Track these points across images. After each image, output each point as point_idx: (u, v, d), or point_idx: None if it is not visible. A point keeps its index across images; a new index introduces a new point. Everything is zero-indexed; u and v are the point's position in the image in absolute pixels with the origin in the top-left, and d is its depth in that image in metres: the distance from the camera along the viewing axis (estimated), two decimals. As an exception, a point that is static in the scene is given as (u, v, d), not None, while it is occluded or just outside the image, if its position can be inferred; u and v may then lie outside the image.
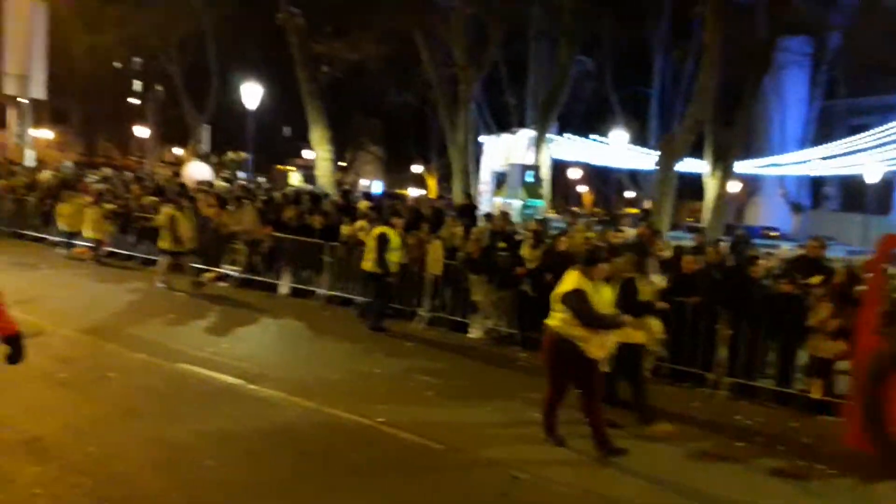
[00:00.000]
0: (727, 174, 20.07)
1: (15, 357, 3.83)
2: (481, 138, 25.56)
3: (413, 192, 43.78)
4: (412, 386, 7.36)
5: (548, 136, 21.44)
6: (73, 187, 15.36)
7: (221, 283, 12.25)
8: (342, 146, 33.36)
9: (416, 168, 46.44)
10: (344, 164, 38.13)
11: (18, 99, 18.76)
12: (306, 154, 49.68)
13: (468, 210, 12.69)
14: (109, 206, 13.80)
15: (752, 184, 38.98)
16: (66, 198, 13.90)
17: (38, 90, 17.97)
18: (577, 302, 5.50)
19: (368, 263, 9.67)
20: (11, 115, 25.52)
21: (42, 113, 30.87)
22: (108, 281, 11.90)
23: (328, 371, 7.60)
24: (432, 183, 43.01)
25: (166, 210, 11.67)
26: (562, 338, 5.61)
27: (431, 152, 41.48)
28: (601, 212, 41.01)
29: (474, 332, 9.76)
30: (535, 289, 9.01)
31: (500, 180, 23.66)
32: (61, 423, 5.51)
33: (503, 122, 28.71)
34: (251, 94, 21.98)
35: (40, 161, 21.66)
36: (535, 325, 9.21)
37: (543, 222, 11.97)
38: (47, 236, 15.16)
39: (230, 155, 32.62)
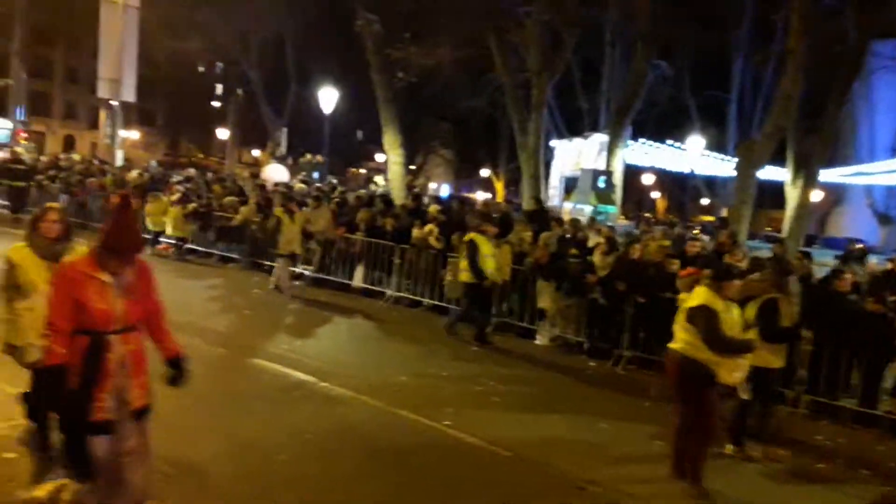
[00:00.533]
0: (810, 182, 19.22)
1: (177, 379, 3.88)
2: (552, 143, 25.36)
3: (480, 195, 43.88)
4: (478, 391, 7.37)
5: (621, 140, 21.07)
6: (160, 187, 16.07)
7: (296, 282, 12.58)
8: (413, 149, 33.76)
9: (485, 172, 46.51)
10: (414, 167, 38.58)
11: (110, 101, 19.81)
12: (378, 157, 50.56)
13: (538, 215, 12.60)
14: (192, 206, 14.38)
15: (837, 193, 37.19)
16: (151, 197, 14.51)
17: (129, 93, 18.92)
18: (705, 321, 4.95)
19: (464, 274, 9.33)
20: (102, 117, 26.98)
21: (130, 114, 32.45)
22: (189, 277, 12.41)
23: (396, 372, 7.70)
24: (500, 187, 42.97)
25: (276, 213, 11.77)
26: (689, 360, 5.04)
27: (500, 156, 41.47)
28: (674, 218, 40.01)
29: (541, 340, 9.69)
30: (605, 297, 8.88)
31: (570, 185, 23.40)
32: (144, 411, 5.78)
33: (575, 127, 28.42)
34: (328, 98, 22.50)
35: (128, 160, 22.81)
36: (604, 335, 9.11)
37: (612, 228, 11.78)
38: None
39: (308, 157, 33.48)
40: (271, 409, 6.20)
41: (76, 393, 3.45)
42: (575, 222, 11.28)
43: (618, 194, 20.99)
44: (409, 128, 26.38)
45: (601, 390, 8.00)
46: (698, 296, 5.12)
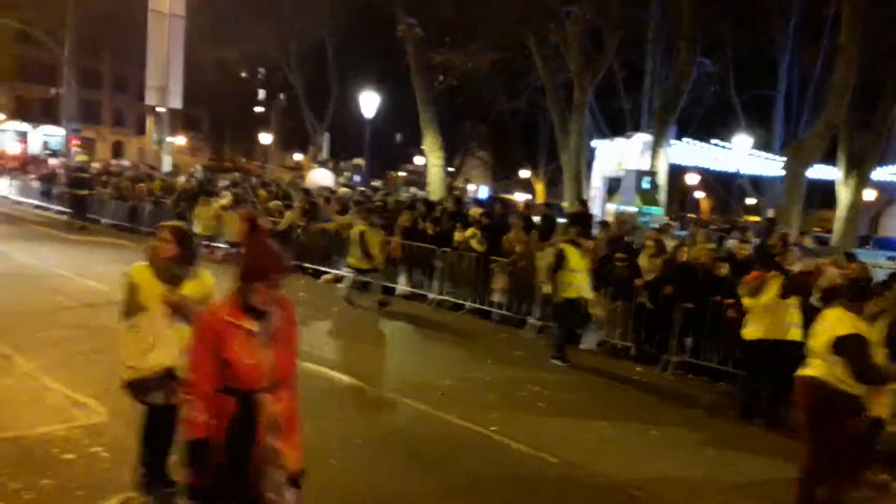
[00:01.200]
0: (862, 181, 18.65)
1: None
2: (594, 143, 25.10)
3: (519, 196, 43.68)
4: (523, 396, 7.33)
5: (665, 140, 20.74)
6: (209, 192, 16.39)
7: (339, 285, 12.71)
8: (451, 152, 33.80)
9: (524, 173, 46.30)
10: (452, 169, 38.63)
11: (157, 109, 20.33)
12: (417, 160, 50.79)
13: (582, 217, 12.47)
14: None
15: (890, 192, 35.97)
16: (202, 202, 14.76)
17: (176, 100, 19.39)
18: (858, 352, 4.47)
19: (551, 290, 8.76)
20: (150, 124, 27.68)
21: (176, 120, 33.21)
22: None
23: (440, 376, 7.71)
24: (540, 188, 42.72)
25: (357, 226, 11.07)
26: (834, 391, 4.55)
27: (539, 157, 41.24)
28: (718, 219, 39.22)
29: (586, 344, 9.59)
30: (653, 301, 8.75)
31: (613, 186, 23.12)
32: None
33: (617, 127, 28.07)
34: (369, 102, 22.68)
35: (176, 166, 23.36)
36: (651, 339, 8.97)
37: (665, 230, 11.56)
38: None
39: (354, 161, 33.85)
40: (320, 413, 6.25)
41: (225, 469, 2.93)
42: (620, 224, 11.13)
43: (662, 195, 20.66)
44: (448, 130, 26.42)
45: (649, 396, 7.88)
46: (842, 323, 4.58)
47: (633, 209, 18.19)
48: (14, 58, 48.95)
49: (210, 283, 4.21)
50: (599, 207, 21.68)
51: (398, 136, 51.43)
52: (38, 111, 51.14)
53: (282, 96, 37.28)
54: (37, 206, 21.78)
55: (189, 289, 4.12)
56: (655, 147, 20.62)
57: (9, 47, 48.09)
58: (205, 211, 14.48)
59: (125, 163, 28.80)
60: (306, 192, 17.13)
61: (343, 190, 20.16)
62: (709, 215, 44.35)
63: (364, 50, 32.49)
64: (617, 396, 7.77)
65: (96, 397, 5.92)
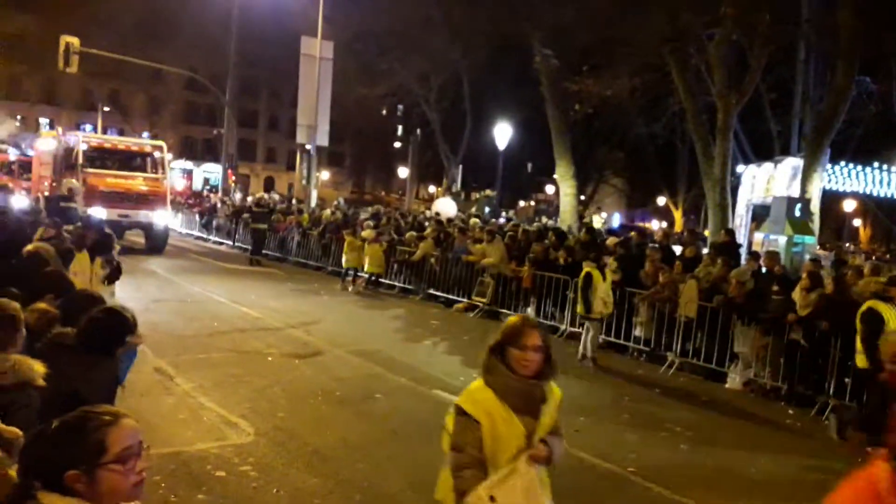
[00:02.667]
0: None
1: None
2: (739, 168, 23.77)
3: (655, 224, 42.13)
4: (663, 436, 6.96)
5: (819, 164, 19.24)
6: (351, 224, 17.14)
7: (470, 314, 12.82)
8: (584, 180, 33.34)
9: (661, 200, 44.70)
10: (584, 197, 38.06)
11: (307, 146, 21.72)
12: (549, 189, 50.55)
13: (729, 247, 11.78)
14: (385, 245, 15.07)
15: None
16: (347, 235, 15.15)
17: (323, 138, 20.66)
18: None
19: (860, 357, 7.01)
20: (299, 160, 29.54)
21: (321, 156, 35.24)
22: (375, 308, 13.09)
23: (574, 411, 7.48)
24: (678, 215, 41.02)
25: (586, 267, 9.62)
26: None
27: (678, 183, 39.66)
28: (880, 248, 35.74)
29: (732, 383, 8.99)
30: (807, 338, 8.06)
31: (760, 214, 21.69)
32: (337, 437, 6.12)
33: (763, 151, 26.43)
34: (502, 134, 22.94)
35: (321, 199, 24.76)
36: (805, 379, 8.26)
37: (817, 262, 10.67)
38: (326, 266, 17.18)
39: (486, 192, 34.35)
40: (452, 442, 6.28)
41: None
42: (772, 256, 10.39)
43: (816, 223, 19.12)
44: (582, 158, 26.11)
45: (804, 442, 7.22)
46: None
47: (783, 238, 16.95)
48: (183, 103, 54.47)
49: (559, 399, 2.87)
50: (745, 236, 20.40)
51: (529, 166, 51.56)
52: (201, 150, 56.33)
53: (418, 131, 38.65)
54: (197, 237, 23.84)
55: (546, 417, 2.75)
56: (808, 172, 19.16)
57: (179, 94, 53.61)
58: (353, 243, 14.88)
59: (276, 196, 30.94)
60: (438, 222, 17.52)
61: (474, 220, 20.41)
62: (868, 245, 40.50)
63: (498, 82, 33.03)
64: (767, 440, 7.19)
65: (245, 418, 6.31)
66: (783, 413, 8.11)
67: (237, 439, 5.83)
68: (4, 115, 36.72)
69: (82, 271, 7.13)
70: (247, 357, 8.59)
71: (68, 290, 3.70)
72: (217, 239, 22.72)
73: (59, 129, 21.46)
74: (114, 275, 7.60)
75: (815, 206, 19.50)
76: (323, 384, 7.70)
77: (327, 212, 19.37)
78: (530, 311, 12.04)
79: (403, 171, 48.22)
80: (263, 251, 18.54)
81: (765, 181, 22.94)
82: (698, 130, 19.43)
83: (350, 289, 14.72)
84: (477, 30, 23.86)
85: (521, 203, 53.21)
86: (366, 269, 14.84)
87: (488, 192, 34.73)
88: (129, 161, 19.18)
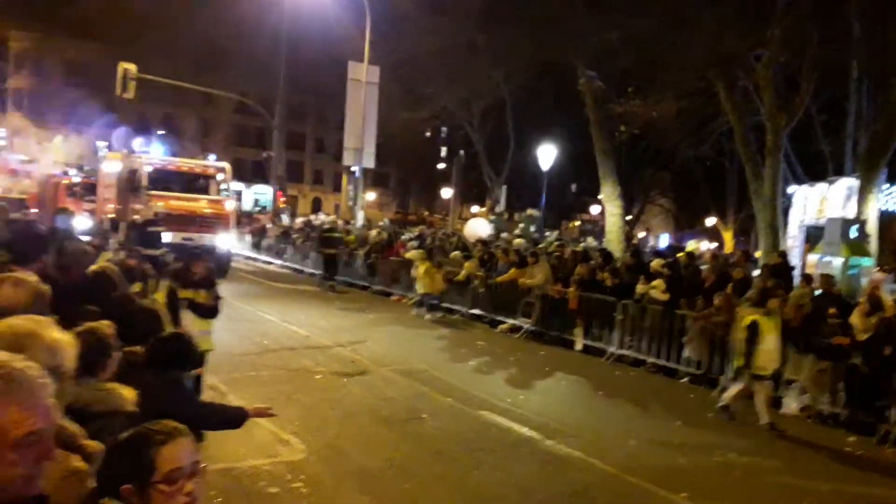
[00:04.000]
0: None
1: None
2: (790, 189, 23.26)
3: (703, 246, 41.31)
4: (717, 463, 6.79)
5: (875, 185, 18.68)
6: (392, 245, 17.30)
7: (515, 335, 12.77)
8: (630, 200, 33.01)
9: (710, 221, 43.87)
10: (630, 217, 37.67)
11: (353, 168, 22.08)
12: (593, 209, 50.15)
13: (782, 270, 11.49)
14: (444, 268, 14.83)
15: None
16: (423, 262, 14.26)
17: (369, 160, 21.00)
18: None
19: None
20: (345, 182, 30.00)
21: (367, 178, 35.73)
22: (420, 328, 13.14)
23: (624, 435, 7.38)
24: (728, 236, 40.17)
25: (751, 315, 7.89)
26: None
27: (727, 204, 38.90)
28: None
29: (788, 408, 8.72)
30: (868, 363, 7.80)
31: (813, 235, 21.11)
32: (384, 457, 6.16)
33: (815, 171, 25.79)
34: (546, 155, 22.92)
35: (367, 220, 25.08)
36: (866, 406, 7.98)
37: (875, 285, 10.34)
38: (372, 286, 17.35)
39: (530, 212, 34.31)
40: (499, 463, 6.26)
41: None
42: (828, 278, 10.11)
43: (873, 245, 18.52)
44: (627, 178, 25.88)
45: (864, 473, 6.96)
46: None
47: (838, 260, 16.45)
48: (233, 126, 56.00)
49: None
50: (798, 258, 19.87)
51: (573, 186, 51.26)
52: (250, 171, 57.73)
53: (462, 153, 38.93)
54: (247, 257, 24.36)
55: None
56: (863, 192, 18.61)
57: (229, 117, 55.16)
58: (422, 267, 14.12)
59: (322, 217, 31.44)
60: (484, 243, 17.55)
61: (518, 241, 20.38)
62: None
63: (542, 104, 33.07)
64: (825, 468, 6.95)
65: (296, 435, 6.40)
66: (842, 440, 7.83)
67: (289, 456, 5.91)
68: (74, 139, 38.12)
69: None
70: (296, 375, 8.72)
71: (138, 315, 3.73)
72: (266, 259, 23.17)
73: (125, 151, 21.14)
74: (213, 310, 6.40)
75: (872, 228, 18.90)
76: (370, 403, 7.77)
77: (373, 232, 19.60)
78: (577, 332, 11.94)
79: (447, 192, 48.52)
80: (313, 271, 18.65)
81: (818, 202, 22.36)
82: (747, 151, 19.10)
83: (427, 316, 13.94)
84: (520, 53, 23.97)
85: (566, 223, 52.89)
86: (420, 290, 14.18)
87: (532, 211, 34.64)
88: (193, 183, 19.16)
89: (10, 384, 1.38)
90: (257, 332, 11.13)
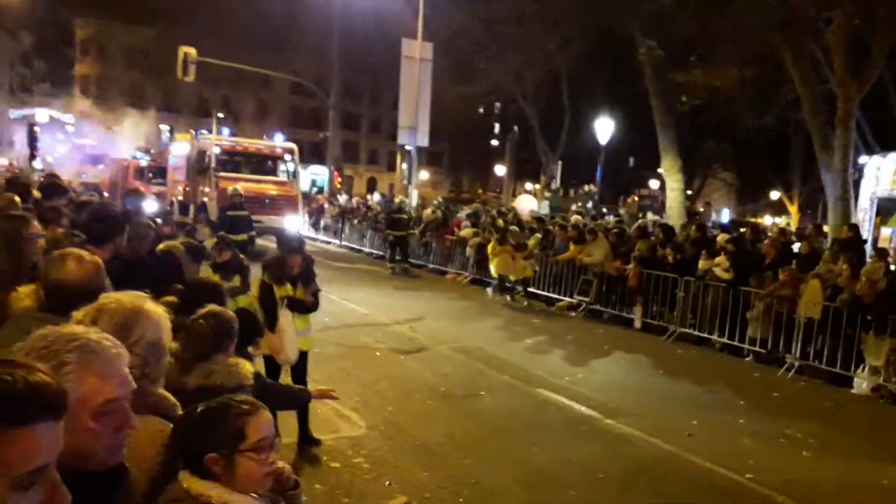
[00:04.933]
0: None
1: None
2: (861, 159, 22.20)
3: (768, 220, 39.95)
4: (784, 443, 6.60)
5: (955, 154, 17.62)
6: (447, 223, 17.22)
7: (573, 313, 12.65)
8: (691, 174, 32.10)
9: (774, 194, 42.37)
10: (690, 192, 36.72)
11: (407, 147, 22.11)
12: (652, 183, 49.04)
13: (854, 244, 11.01)
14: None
15: None
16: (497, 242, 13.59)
17: (423, 139, 20.95)
18: None
19: None
20: (399, 160, 30.12)
21: (420, 156, 35.81)
22: (476, 307, 13.14)
23: (685, 414, 7.25)
24: (794, 210, 38.75)
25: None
26: None
27: (793, 177, 37.46)
28: None
29: (859, 388, 8.41)
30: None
31: (886, 208, 20.15)
32: (443, 433, 6.21)
33: (889, 141, 24.53)
34: (603, 128, 22.45)
35: (422, 199, 25.14)
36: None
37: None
38: (427, 264, 17.42)
39: (587, 188, 33.83)
40: (559, 441, 6.24)
41: None
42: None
43: (952, 216, 17.54)
44: (688, 151, 25.12)
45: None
46: None
47: (914, 234, 15.65)
48: (289, 107, 56.80)
49: None
50: (869, 232, 19.01)
51: (631, 160, 50.21)
52: (307, 153, 58.50)
53: (515, 129, 38.50)
54: (305, 237, 24.78)
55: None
56: (943, 161, 17.60)
57: (286, 98, 55.95)
58: (498, 251, 13.50)
59: (377, 197, 31.70)
60: (539, 220, 17.37)
61: (575, 217, 20.10)
62: None
63: (597, 76, 32.36)
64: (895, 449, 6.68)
65: (356, 411, 6.51)
66: (918, 422, 7.52)
67: (350, 432, 6.03)
68: (149, 121, 39.20)
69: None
70: (356, 352, 8.86)
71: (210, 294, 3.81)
72: (325, 238, 23.53)
73: (193, 132, 21.24)
74: (313, 306, 5.81)
75: (952, 199, 17.89)
76: (428, 380, 7.83)
77: (427, 211, 19.61)
78: (637, 311, 11.73)
79: (501, 169, 48.20)
80: (371, 250, 18.66)
81: (891, 173, 21.28)
82: (815, 121, 18.26)
83: (499, 298, 13.61)
84: (574, 21, 23.41)
85: (625, 198, 51.94)
86: (496, 272, 13.54)
87: (589, 187, 34.12)
88: (261, 164, 18.89)
89: (87, 355, 1.42)
90: (319, 311, 11.29)
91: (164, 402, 2.01)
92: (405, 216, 17.79)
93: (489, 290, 14.33)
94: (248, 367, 2.71)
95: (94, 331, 1.53)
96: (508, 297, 13.59)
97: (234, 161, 18.41)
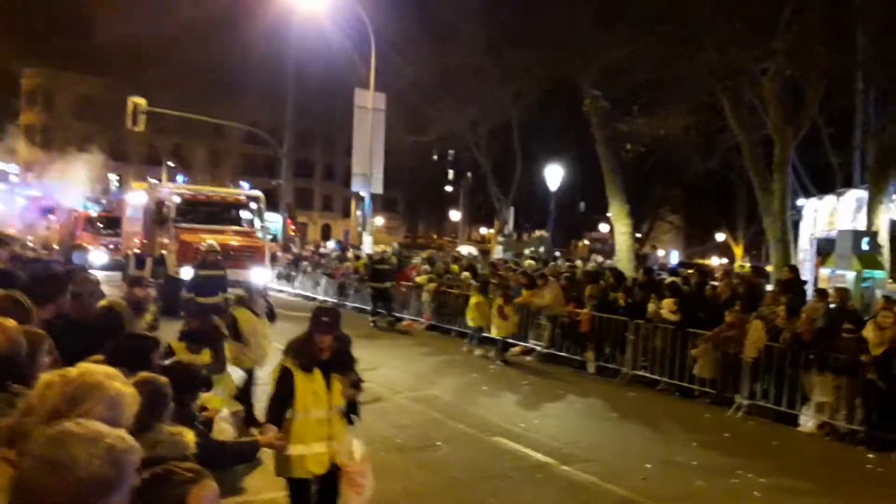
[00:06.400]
0: None
1: None
2: (800, 202, 23.19)
3: (715, 261, 41.19)
4: (735, 484, 6.71)
5: (885, 196, 18.58)
6: (402, 270, 17.17)
7: (527, 357, 12.71)
8: (639, 217, 33.00)
9: (720, 236, 43.78)
10: (640, 235, 37.68)
11: (361, 193, 22.22)
12: (602, 227, 50.13)
13: (794, 284, 11.43)
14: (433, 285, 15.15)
15: None
16: (476, 294, 13.19)
17: (378, 186, 21.15)
18: None
19: None
20: (353, 207, 30.17)
21: (375, 203, 35.97)
22: (432, 354, 13.09)
23: (640, 457, 7.32)
24: (739, 251, 40.06)
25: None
26: None
27: (737, 218, 38.86)
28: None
29: (805, 426, 8.63)
30: (884, 378, 7.72)
31: (824, 248, 20.99)
32: (400, 486, 6.11)
33: (824, 184, 25.71)
34: (553, 175, 22.98)
35: (379, 246, 25.13)
36: (885, 422, 7.88)
37: (889, 298, 10.23)
38: (382, 311, 17.32)
39: (537, 234, 34.36)
40: (515, 490, 6.22)
41: None
42: (842, 292, 10.04)
43: (886, 257, 18.39)
44: (636, 196, 25.87)
45: (885, 490, 6.86)
46: None
47: (851, 274, 16.33)
48: (242, 156, 56.57)
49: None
50: (810, 272, 19.74)
51: (582, 204, 51.31)
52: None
53: (469, 175, 39.12)
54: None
55: None
56: (873, 204, 18.50)
57: (238, 147, 55.75)
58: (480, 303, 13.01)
59: (331, 244, 31.58)
60: (492, 264, 17.54)
61: (528, 262, 20.36)
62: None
63: (548, 123, 33.24)
64: (846, 488, 6.85)
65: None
66: (862, 458, 7.73)
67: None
68: (96, 171, 38.19)
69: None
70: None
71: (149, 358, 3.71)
72: (277, 287, 23.23)
73: (151, 181, 20.07)
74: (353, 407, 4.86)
75: (884, 239, 18.77)
76: (383, 431, 7.73)
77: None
78: (590, 354, 11.86)
79: (456, 215, 48.67)
80: (325, 298, 18.57)
81: (828, 214, 22.26)
82: (755, 165, 19.07)
83: (476, 353, 12.78)
84: (526, 74, 24.13)
85: (575, 242, 52.85)
86: (494, 332, 12.52)
87: (541, 232, 34.67)
88: (225, 214, 17.54)
89: None
90: (269, 360, 11.13)
91: None
92: (388, 266, 16.81)
93: (466, 346, 13.34)
94: (191, 436, 2.66)
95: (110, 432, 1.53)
96: (490, 353, 12.50)
97: (195, 211, 17.09)
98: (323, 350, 4.30)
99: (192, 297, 7.48)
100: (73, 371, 1.92)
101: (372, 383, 9.91)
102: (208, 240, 13.45)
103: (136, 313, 4.85)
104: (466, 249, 27.25)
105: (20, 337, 2.63)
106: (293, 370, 4.25)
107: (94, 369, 1.94)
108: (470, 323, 13.22)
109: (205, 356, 5.69)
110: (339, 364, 4.43)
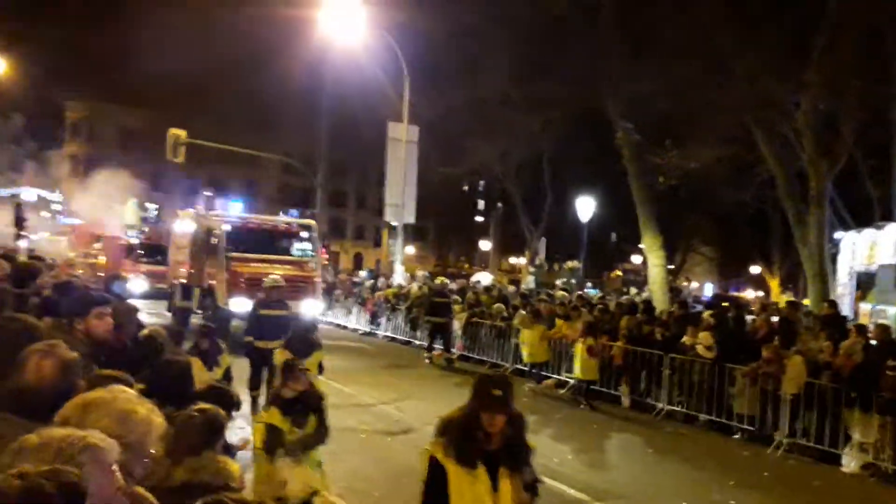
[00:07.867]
0: None
1: None
2: (837, 234, 22.75)
3: (751, 294, 40.44)
4: (775, 524, 6.54)
5: (928, 229, 18.12)
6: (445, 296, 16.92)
7: (560, 390, 12.58)
8: (672, 248, 32.66)
9: (755, 269, 43.01)
10: (672, 266, 37.26)
11: (393, 223, 22.46)
12: (635, 259, 49.69)
13: (834, 320, 11.19)
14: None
15: None
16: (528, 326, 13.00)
17: (409, 216, 21.39)
18: None
19: None
20: (385, 237, 30.43)
21: (407, 232, 36.22)
22: (464, 384, 13.01)
23: (675, 494, 7.18)
24: (774, 284, 39.25)
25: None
26: None
27: (772, 251, 38.17)
28: None
29: (848, 467, 8.37)
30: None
31: (864, 283, 20.51)
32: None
33: (863, 216, 25.21)
34: (584, 207, 22.93)
35: (410, 274, 25.30)
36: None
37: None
38: (413, 340, 17.35)
39: (569, 265, 34.22)
40: (549, 527, 6.13)
41: None
42: (884, 328, 9.80)
43: (929, 292, 17.88)
44: (669, 227, 25.65)
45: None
46: None
47: (892, 309, 15.91)
48: (278, 185, 57.62)
49: None
50: (849, 306, 19.27)
51: (614, 235, 50.99)
52: (296, 230, 58.95)
53: (499, 205, 39.26)
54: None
55: None
56: (915, 237, 18.08)
57: (275, 177, 56.82)
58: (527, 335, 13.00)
59: (363, 273, 31.81)
60: (523, 296, 17.49)
61: (560, 293, 20.26)
62: None
63: (578, 154, 33.28)
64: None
65: (343, 497, 6.35)
66: (909, 501, 7.48)
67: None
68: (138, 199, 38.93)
69: None
70: (342, 434, 8.67)
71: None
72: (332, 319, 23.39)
73: (198, 209, 19.08)
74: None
75: (927, 274, 18.28)
76: (415, 463, 7.66)
77: (414, 286, 19.71)
78: (624, 388, 11.71)
79: (486, 244, 48.74)
80: (357, 327, 18.55)
81: (867, 248, 21.73)
82: (790, 198, 18.80)
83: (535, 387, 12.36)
84: (555, 105, 24.29)
85: (608, 273, 52.44)
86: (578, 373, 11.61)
87: (572, 263, 34.51)
88: (276, 243, 16.71)
89: (96, 454, 1.49)
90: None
91: (142, 501, 2.02)
92: (447, 300, 15.87)
93: (530, 385, 12.60)
94: (236, 468, 2.72)
95: (92, 433, 1.60)
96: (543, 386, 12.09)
97: (246, 239, 16.14)
98: (492, 437, 3.08)
99: (205, 324, 7.08)
100: (103, 397, 1.97)
101: (404, 414, 9.98)
102: (271, 274, 11.83)
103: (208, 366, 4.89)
104: (486, 277, 27.11)
105: (66, 366, 2.71)
106: (446, 464, 3.03)
107: (115, 389, 2.00)
108: (527, 359, 12.89)
109: (310, 425, 5.05)
110: (511, 457, 3.15)
